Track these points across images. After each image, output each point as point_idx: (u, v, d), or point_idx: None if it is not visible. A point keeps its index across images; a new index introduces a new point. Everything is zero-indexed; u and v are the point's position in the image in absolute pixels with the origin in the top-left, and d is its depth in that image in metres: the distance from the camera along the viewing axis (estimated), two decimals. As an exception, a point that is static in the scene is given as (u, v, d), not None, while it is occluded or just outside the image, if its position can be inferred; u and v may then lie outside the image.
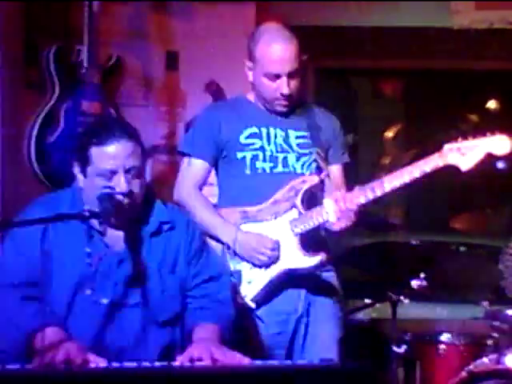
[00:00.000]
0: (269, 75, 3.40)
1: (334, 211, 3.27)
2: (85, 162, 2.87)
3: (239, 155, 3.45)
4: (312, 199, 3.41)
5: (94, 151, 2.85)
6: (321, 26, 5.26)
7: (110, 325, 2.85)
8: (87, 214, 2.82)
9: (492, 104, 6.10)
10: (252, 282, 3.36)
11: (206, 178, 3.54)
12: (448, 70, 5.60)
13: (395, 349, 3.95)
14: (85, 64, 4.39)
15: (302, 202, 3.37)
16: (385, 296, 4.05)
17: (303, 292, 3.43)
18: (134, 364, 2.60)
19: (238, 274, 3.36)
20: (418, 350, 4.00)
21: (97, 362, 2.66)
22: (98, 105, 4.41)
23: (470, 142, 3.20)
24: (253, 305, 3.35)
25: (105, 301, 2.86)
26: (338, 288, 3.55)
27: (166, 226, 3.00)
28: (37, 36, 4.54)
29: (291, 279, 3.39)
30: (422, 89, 6.01)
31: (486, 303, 3.79)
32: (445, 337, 3.95)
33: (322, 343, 3.41)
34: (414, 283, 3.98)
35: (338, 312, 3.51)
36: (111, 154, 2.84)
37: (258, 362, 2.80)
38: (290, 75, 3.39)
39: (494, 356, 3.62)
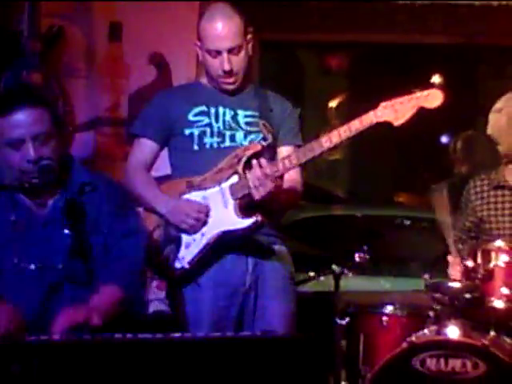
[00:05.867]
0: (211, 52, 3.43)
1: (254, 178, 3.28)
2: None
3: (187, 131, 3.47)
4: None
5: (1, 122, 2.88)
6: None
7: (41, 289, 2.86)
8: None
9: (436, 78, 6.14)
10: (190, 246, 3.38)
11: (155, 158, 3.56)
12: (393, 43, 5.62)
13: (338, 321, 3.97)
14: (25, 33, 4.32)
15: (245, 168, 3.37)
16: (328, 269, 4.06)
17: (251, 265, 3.43)
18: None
19: (178, 239, 3.38)
20: (360, 322, 4.01)
21: None
22: (38, 75, 4.34)
23: (403, 98, 3.25)
24: (187, 266, 3.35)
25: (33, 267, 2.87)
26: (287, 259, 3.55)
27: (87, 188, 3.00)
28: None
29: (230, 243, 3.39)
30: (368, 62, 6.03)
31: (427, 276, 3.81)
32: (387, 308, 3.96)
33: (272, 317, 3.42)
34: (357, 256, 3.99)
35: (287, 285, 3.51)
36: (16, 122, 2.86)
37: (200, 334, 2.80)
38: (231, 51, 3.41)
39: (434, 327, 3.65)
